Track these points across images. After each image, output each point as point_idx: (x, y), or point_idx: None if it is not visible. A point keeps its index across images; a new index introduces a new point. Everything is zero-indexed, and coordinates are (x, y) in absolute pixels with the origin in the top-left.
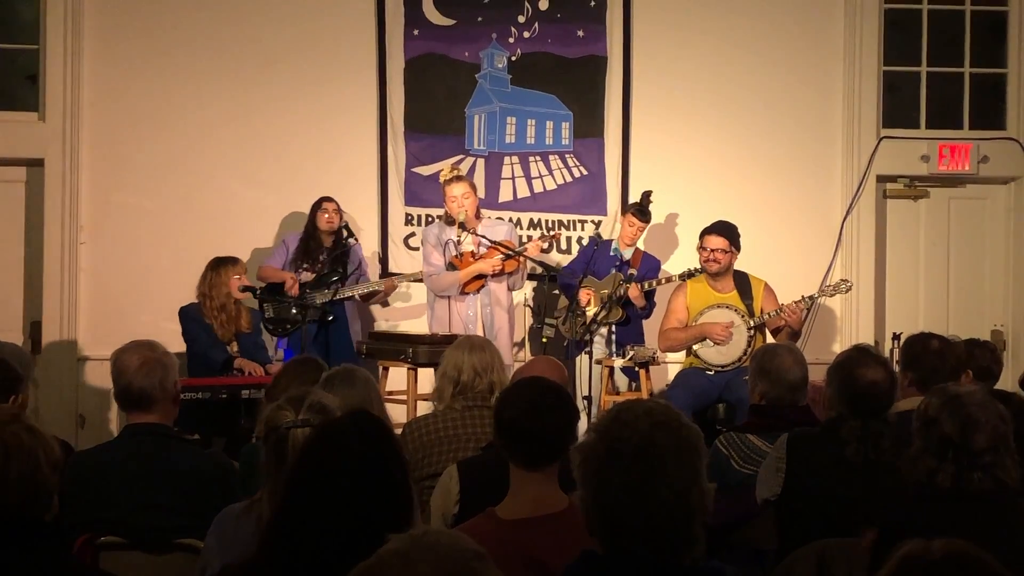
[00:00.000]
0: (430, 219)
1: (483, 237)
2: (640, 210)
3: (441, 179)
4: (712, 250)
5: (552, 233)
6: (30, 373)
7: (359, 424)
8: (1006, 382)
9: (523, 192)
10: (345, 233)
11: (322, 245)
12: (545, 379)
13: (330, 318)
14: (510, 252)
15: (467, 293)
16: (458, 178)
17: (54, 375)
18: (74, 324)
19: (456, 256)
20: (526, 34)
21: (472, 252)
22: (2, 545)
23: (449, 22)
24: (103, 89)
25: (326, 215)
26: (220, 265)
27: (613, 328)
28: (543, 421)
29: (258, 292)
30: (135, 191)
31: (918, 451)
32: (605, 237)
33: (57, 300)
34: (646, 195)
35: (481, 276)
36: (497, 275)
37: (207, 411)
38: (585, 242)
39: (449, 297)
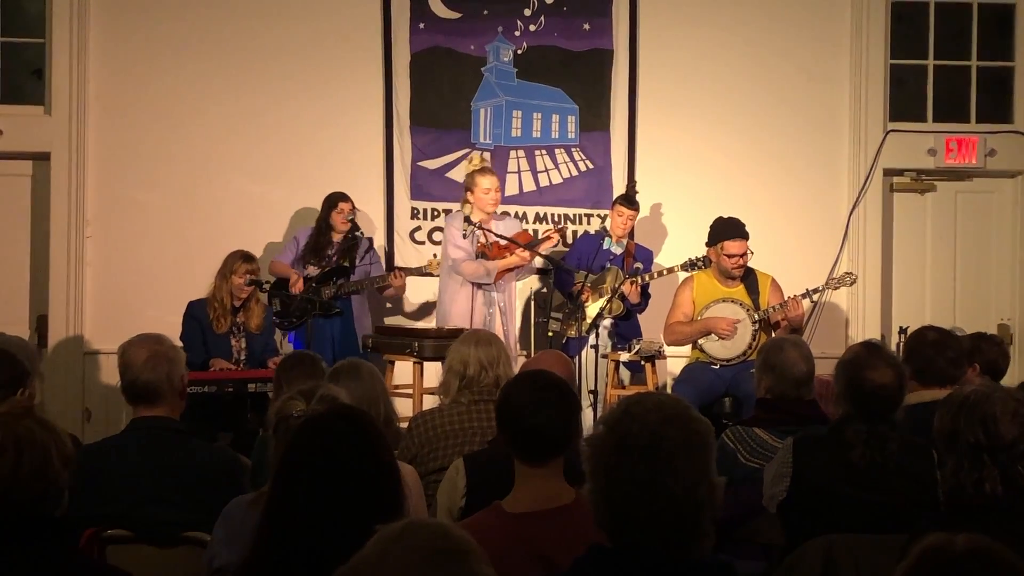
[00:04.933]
0: (436, 213)
1: (500, 236)
2: (628, 199)
3: (469, 167)
4: (740, 255)
5: (560, 227)
6: (36, 366)
7: (340, 418)
8: (1013, 376)
9: (529, 186)
10: (359, 232)
11: (332, 242)
12: (547, 373)
13: (336, 311)
14: (528, 246)
15: (496, 282)
16: (489, 170)
17: (60, 369)
18: (80, 318)
19: (484, 245)
20: (532, 27)
21: (498, 243)
22: (13, 540)
23: (455, 15)
24: (109, 83)
25: (342, 215)
26: (233, 259)
27: (615, 322)
28: (545, 416)
29: (263, 284)
30: (141, 185)
31: (954, 468)
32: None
33: (63, 294)
34: (631, 184)
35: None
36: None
37: (214, 405)
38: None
39: (475, 289)
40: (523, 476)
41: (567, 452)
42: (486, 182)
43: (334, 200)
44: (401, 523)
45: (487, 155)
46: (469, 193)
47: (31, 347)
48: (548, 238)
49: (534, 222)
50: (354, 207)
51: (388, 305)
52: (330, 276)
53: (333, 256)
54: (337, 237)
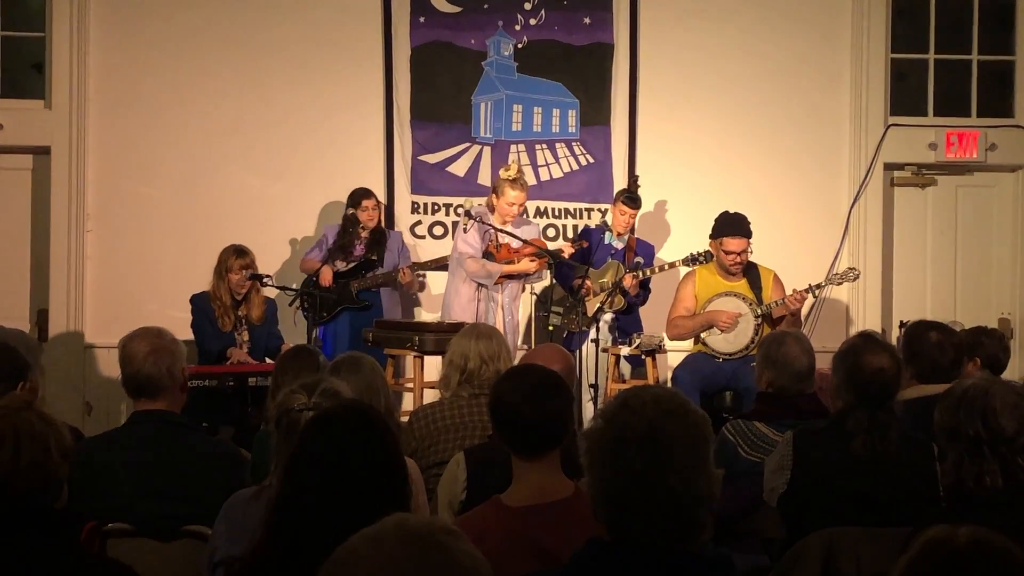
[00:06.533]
0: (436, 207)
1: (509, 233)
2: (630, 197)
3: (503, 174)
4: (739, 253)
5: (581, 242)
6: (37, 359)
7: (353, 413)
8: (1013, 370)
9: (530, 180)
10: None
11: (356, 238)
12: (536, 366)
13: (364, 304)
14: (543, 253)
15: (497, 284)
16: (520, 184)
17: (61, 363)
18: (81, 312)
19: (494, 246)
20: (532, 21)
21: (509, 246)
22: (12, 532)
23: (455, 9)
24: (109, 77)
25: (366, 212)
26: (227, 255)
27: (616, 316)
28: (537, 410)
29: (263, 278)
30: (141, 179)
31: (955, 461)
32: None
33: (64, 288)
34: (634, 180)
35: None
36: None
37: (215, 399)
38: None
39: (480, 288)
40: (520, 470)
41: (563, 445)
42: (512, 195)
43: (357, 198)
44: (390, 516)
45: (524, 168)
46: (494, 196)
47: (32, 340)
48: (561, 251)
49: (534, 216)
50: (378, 202)
51: (415, 295)
52: (358, 270)
53: (361, 251)
54: (364, 233)
